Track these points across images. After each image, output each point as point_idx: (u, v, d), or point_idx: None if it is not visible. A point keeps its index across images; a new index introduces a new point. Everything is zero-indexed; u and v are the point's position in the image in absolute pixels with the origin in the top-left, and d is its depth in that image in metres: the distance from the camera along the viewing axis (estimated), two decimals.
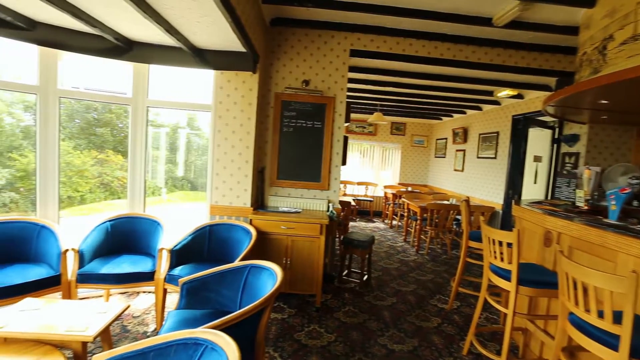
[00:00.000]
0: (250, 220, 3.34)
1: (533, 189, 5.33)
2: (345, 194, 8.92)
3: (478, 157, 6.70)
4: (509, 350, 2.22)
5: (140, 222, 3.20)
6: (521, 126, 5.42)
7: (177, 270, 2.71)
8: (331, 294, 3.69)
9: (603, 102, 2.63)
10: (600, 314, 1.44)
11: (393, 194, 7.78)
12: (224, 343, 1.23)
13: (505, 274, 2.25)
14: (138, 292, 3.40)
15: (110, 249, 3.01)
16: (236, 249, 3.00)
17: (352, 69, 4.44)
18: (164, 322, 1.98)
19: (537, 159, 5.09)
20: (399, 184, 9.23)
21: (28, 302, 2.07)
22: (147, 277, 2.74)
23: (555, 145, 4.73)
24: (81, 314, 1.98)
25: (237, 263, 2.24)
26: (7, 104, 4.13)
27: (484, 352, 2.50)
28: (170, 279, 2.68)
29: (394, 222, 8.05)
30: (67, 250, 2.63)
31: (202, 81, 3.55)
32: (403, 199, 6.67)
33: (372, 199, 8.78)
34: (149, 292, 3.39)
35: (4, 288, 2.29)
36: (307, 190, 3.86)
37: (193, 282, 2.17)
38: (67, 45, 2.95)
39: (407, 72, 4.63)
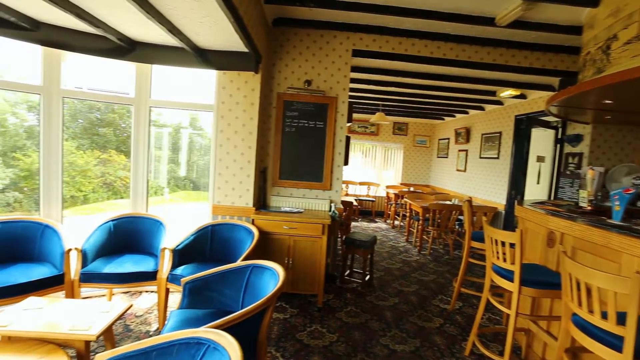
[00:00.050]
0: (253, 220, 3.34)
1: (536, 189, 5.31)
2: (347, 194, 8.91)
3: (480, 157, 6.68)
4: (511, 351, 2.21)
5: (143, 222, 3.21)
6: (524, 126, 5.40)
7: (179, 270, 2.71)
8: (333, 294, 3.68)
9: (607, 102, 2.62)
10: (604, 315, 1.43)
11: (395, 194, 7.77)
12: (227, 343, 1.23)
13: (508, 275, 2.25)
14: (141, 292, 3.41)
15: (113, 249, 3.02)
16: (238, 249, 3.01)
17: (355, 69, 4.44)
18: (166, 322, 1.99)
19: (540, 159, 5.07)
20: (401, 184, 9.22)
21: (32, 301, 2.08)
22: (150, 276, 2.75)
23: (558, 146, 4.70)
24: (84, 313, 1.99)
25: (239, 263, 2.24)
26: (11, 104, 4.16)
27: (486, 352, 2.49)
28: (172, 278, 2.69)
29: (396, 223, 8.04)
30: (70, 249, 2.65)
31: (204, 81, 3.56)
32: (405, 199, 6.66)
33: (374, 199, 8.77)
34: (152, 292, 3.40)
35: (8, 287, 2.31)
36: (309, 190, 3.86)
37: (195, 281, 2.18)
38: (71, 45, 2.96)
39: (410, 72, 4.62)
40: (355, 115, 8.44)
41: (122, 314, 2.09)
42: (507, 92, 4.95)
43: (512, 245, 2.21)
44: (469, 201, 3.66)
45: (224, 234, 3.13)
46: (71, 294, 2.59)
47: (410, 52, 3.81)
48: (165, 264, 2.79)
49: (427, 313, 3.41)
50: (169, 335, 1.36)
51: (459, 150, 7.61)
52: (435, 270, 4.84)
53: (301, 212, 3.55)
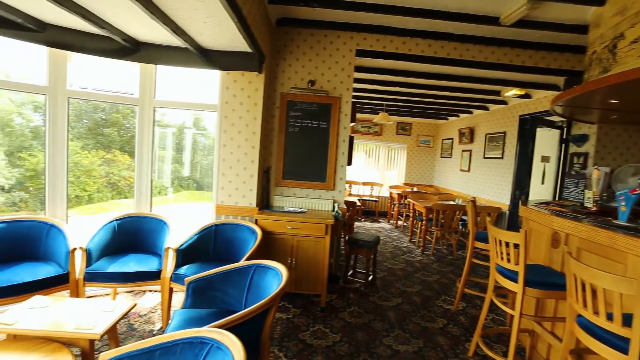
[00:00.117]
0: (256, 220, 3.35)
1: (540, 189, 5.27)
2: (350, 194, 8.90)
3: (484, 158, 6.65)
4: (515, 352, 2.19)
5: (147, 222, 3.23)
6: (528, 126, 5.36)
7: (183, 270, 2.73)
8: (336, 294, 3.68)
9: (613, 101, 2.59)
10: (610, 317, 1.42)
11: (398, 194, 7.75)
12: (230, 342, 1.24)
13: (512, 275, 2.23)
14: (144, 291, 3.43)
15: (117, 248, 3.04)
16: (242, 249, 3.01)
17: (358, 68, 4.43)
18: (170, 321, 2.00)
19: (545, 159, 5.03)
20: (405, 184, 9.20)
21: (37, 300, 2.10)
22: (154, 276, 2.77)
23: (563, 146, 4.67)
24: (89, 312, 2.01)
25: (242, 263, 2.25)
26: (17, 104, 4.20)
27: (490, 353, 2.48)
28: (176, 278, 2.70)
29: (400, 223, 8.02)
30: (75, 249, 2.67)
31: (208, 81, 3.57)
32: (408, 199, 6.64)
33: (377, 199, 8.75)
34: (155, 291, 3.42)
35: (14, 286, 2.33)
36: (312, 190, 3.86)
37: (199, 281, 2.19)
38: (76, 46, 2.99)
39: (413, 71, 4.61)
40: (358, 115, 8.43)
41: (126, 313, 2.10)
42: (511, 92, 4.92)
43: (516, 245, 2.20)
44: (473, 201, 3.64)
45: (227, 234, 3.14)
46: (76, 293, 2.61)
47: (414, 51, 3.80)
48: (169, 264, 2.80)
49: (430, 313, 3.40)
50: (173, 335, 1.36)
51: (463, 150, 7.58)
52: (439, 270, 4.82)
53: (304, 212, 3.56)
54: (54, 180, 3.14)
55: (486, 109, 6.67)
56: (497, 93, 5.37)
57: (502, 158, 6.03)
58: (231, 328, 1.46)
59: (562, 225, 2.34)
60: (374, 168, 9.57)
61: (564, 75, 3.93)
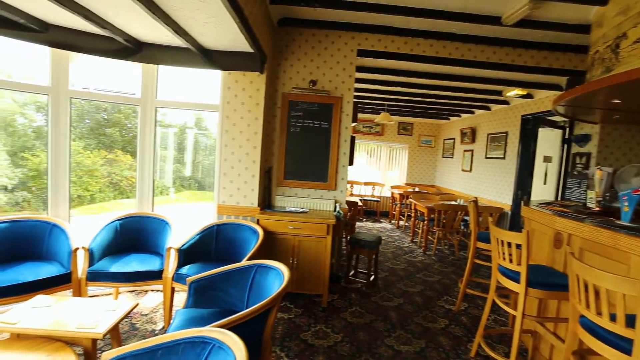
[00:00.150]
0: (258, 220, 3.35)
1: (542, 189, 5.26)
2: (352, 194, 8.90)
3: (486, 158, 6.63)
4: (517, 353, 2.19)
5: (149, 222, 3.24)
6: (530, 126, 5.35)
7: (184, 269, 2.73)
8: (338, 294, 3.68)
9: (616, 101, 2.58)
10: (613, 318, 1.41)
11: (400, 194, 7.74)
12: (232, 342, 1.24)
13: (514, 276, 2.23)
14: (146, 291, 3.44)
15: (119, 248, 3.05)
16: (243, 249, 3.01)
17: (360, 68, 4.43)
18: (171, 321, 2.00)
19: (547, 159, 5.02)
20: (406, 184, 9.19)
21: (40, 299, 2.11)
22: (156, 275, 2.77)
23: (565, 146, 4.65)
24: (91, 312, 2.01)
25: (244, 262, 2.25)
26: (20, 104, 4.21)
27: (492, 354, 2.47)
28: (178, 277, 2.70)
29: (401, 223, 8.01)
30: (77, 248, 2.68)
31: (209, 81, 3.58)
32: (410, 200, 6.64)
33: (379, 199, 8.75)
34: (157, 291, 3.43)
35: (17, 285, 2.34)
36: (314, 190, 3.86)
37: (201, 281, 2.19)
38: (78, 46, 2.99)
39: (415, 71, 4.60)
40: (360, 115, 8.42)
41: (128, 313, 2.10)
42: (513, 92, 4.91)
43: (518, 246, 2.19)
44: (475, 201, 3.63)
45: (229, 234, 3.15)
46: (78, 293, 2.62)
47: (415, 51, 3.80)
48: (171, 264, 2.80)
49: (432, 314, 3.39)
50: (175, 334, 1.37)
51: (465, 151, 7.57)
52: (441, 271, 4.81)
53: (306, 212, 3.56)
54: (56, 180, 3.15)
55: (488, 109, 6.66)
56: (499, 93, 5.35)
57: (504, 158, 6.02)
58: (233, 328, 1.46)
59: (565, 226, 2.33)
60: (376, 168, 9.56)
61: (566, 75, 3.92)
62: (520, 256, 2.14)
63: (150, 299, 3.27)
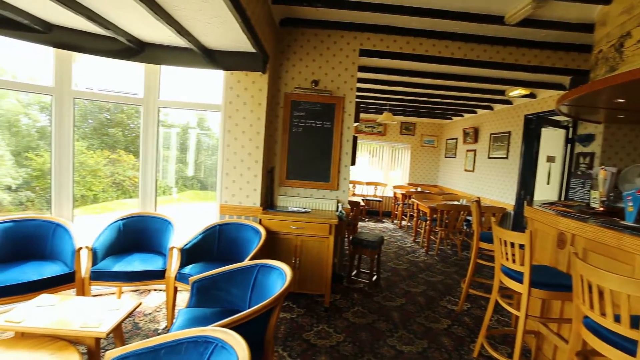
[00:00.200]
0: (260, 219, 3.35)
1: (546, 189, 5.24)
2: (354, 194, 8.90)
3: (489, 158, 6.61)
4: (521, 353, 2.18)
5: (152, 221, 3.25)
6: (534, 126, 5.32)
7: (187, 269, 2.74)
8: (340, 294, 3.68)
9: (619, 100, 2.57)
10: (617, 318, 1.40)
11: (402, 194, 7.73)
12: (234, 342, 1.24)
13: (517, 276, 2.22)
14: (149, 290, 3.45)
15: (122, 247, 3.06)
16: (246, 249, 3.02)
17: (362, 68, 4.43)
18: (174, 320, 2.01)
19: (550, 159, 4.99)
20: (409, 184, 9.17)
21: (44, 298, 2.12)
22: (158, 275, 2.78)
23: (569, 145, 4.63)
24: (94, 311, 2.02)
25: (246, 262, 2.25)
26: (24, 105, 4.24)
27: (495, 355, 2.46)
28: (180, 277, 2.71)
29: (403, 223, 8.00)
30: (80, 248, 2.69)
31: (212, 82, 3.58)
32: (412, 199, 6.62)
33: (381, 199, 8.74)
34: (160, 290, 3.44)
35: (22, 284, 2.35)
36: (316, 190, 3.86)
37: (203, 280, 2.19)
38: (81, 47, 3.01)
39: (417, 71, 4.60)
40: (362, 115, 8.42)
41: (131, 312, 2.11)
42: (516, 92, 4.89)
43: (521, 246, 2.18)
44: (478, 201, 3.62)
45: (231, 234, 3.15)
46: (82, 292, 2.64)
47: (418, 51, 3.79)
48: (174, 263, 2.81)
49: (434, 314, 3.38)
50: (178, 334, 1.37)
51: (467, 150, 7.54)
52: (443, 271, 4.80)
53: (308, 212, 3.56)
54: (59, 180, 3.16)
55: (491, 108, 6.64)
56: (502, 93, 5.34)
57: (506, 158, 6.00)
58: (235, 327, 1.46)
59: (568, 226, 2.32)
60: (378, 168, 9.55)
61: (569, 74, 3.90)
62: (523, 256, 2.13)
63: (153, 299, 3.28)
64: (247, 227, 3.15)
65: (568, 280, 2.10)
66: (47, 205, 3.25)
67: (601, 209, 2.60)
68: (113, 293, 3.25)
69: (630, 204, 2.10)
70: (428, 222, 5.66)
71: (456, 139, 8.21)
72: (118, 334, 2.17)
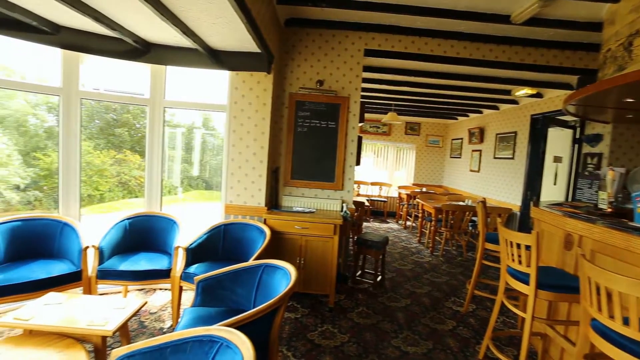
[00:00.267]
0: (265, 219, 3.36)
1: (552, 190, 5.18)
2: (359, 195, 8.88)
3: (495, 158, 6.56)
4: (527, 356, 2.16)
5: (157, 221, 3.27)
6: (540, 126, 5.28)
7: (192, 268, 2.75)
8: (344, 295, 3.68)
9: (628, 100, 2.53)
10: (626, 321, 1.38)
11: (407, 195, 7.70)
12: (239, 341, 1.25)
13: (523, 277, 2.20)
14: (155, 289, 3.47)
15: (128, 247, 3.09)
16: (250, 248, 3.03)
17: (367, 68, 4.42)
18: (179, 319, 2.02)
19: (557, 159, 4.94)
20: (414, 184, 9.13)
21: (52, 297, 2.14)
22: (164, 274, 2.80)
23: (576, 146, 4.58)
24: (101, 309, 2.04)
25: (251, 262, 2.26)
26: (32, 105, 4.29)
27: (501, 357, 2.44)
28: (186, 276, 2.72)
29: (408, 223, 7.97)
30: (87, 247, 2.72)
31: (217, 82, 3.60)
32: (417, 200, 6.60)
33: (386, 200, 8.71)
34: (165, 289, 3.46)
35: (30, 282, 2.38)
36: (321, 190, 3.86)
37: (208, 280, 2.20)
38: (89, 48, 3.04)
39: (422, 71, 4.57)
40: (367, 115, 8.40)
41: (137, 311, 2.13)
42: (522, 91, 4.84)
43: (527, 247, 2.16)
44: (483, 202, 3.59)
45: (236, 233, 3.16)
46: (89, 290, 2.66)
47: (423, 51, 3.77)
48: (179, 262, 2.83)
49: (439, 315, 3.37)
50: (183, 333, 1.38)
51: (473, 151, 7.49)
52: (448, 272, 4.77)
53: (313, 212, 3.56)
54: (67, 180, 3.20)
55: (496, 108, 6.59)
56: (508, 92, 5.29)
57: (513, 158, 5.95)
58: (240, 327, 1.47)
59: (575, 227, 2.29)
60: (383, 168, 9.53)
61: (576, 74, 3.86)
62: (529, 258, 2.11)
63: (159, 298, 3.30)
64: (252, 227, 3.16)
65: (575, 282, 2.08)
66: (55, 204, 3.29)
67: (609, 210, 2.56)
68: (119, 292, 3.28)
69: (639, 205, 2.07)
70: (433, 223, 5.63)
71: (461, 139, 8.16)
72: (124, 333, 2.19)
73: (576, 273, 2.32)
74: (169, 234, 3.17)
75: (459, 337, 2.96)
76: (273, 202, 3.80)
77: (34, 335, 1.82)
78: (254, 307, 1.83)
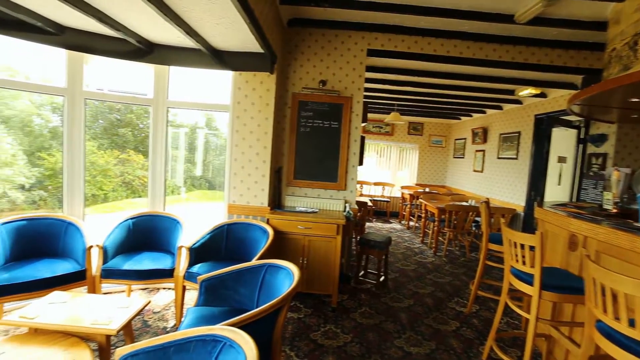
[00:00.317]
0: (268, 219, 3.37)
1: (556, 190, 5.15)
2: (361, 195, 8.87)
3: (498, 158, 6.53)
4: (531, 357, 2.15)
5: (161, 220, 3.28)
6: (544, 126, 5.24)
7: (195, 268, 2.76)
8: (347, 295, 3.67)
9: (634, 100, 2.51)
10: (632, 323, 1.37)
11: (410, 195, 7.68)
12: (242, 341, 1.25)
13: (527, 278, 2.19)
14: (158, 289, 3.49)
15: (132, 246, 3.10)
16: (253, 248, 3.03)
17: (370, 68, 4.41)
18: (183, 319, 2.03)
19: (562, 159, 4.91)
20: (417, 184, 9.11)
21: (56, 295, 2.16)
22: (167, 274, 2.81)
23: (580, 146, 4.55)
24: (105, 308, 2.05)
25: (254, 262, 2.26)
26: (37, 105, 4.32)
27: (504, 358, 2.43)
28: (189, 276, 2.73)
29: (411, 223, 7.95)
30: (91, 246, 2.73)
31: (220, 82, 3.61)
32: (420, 200, 6.58)
33: (389, 200, 8.70)
34: (169, 289, 3.47)
35: (35, 281, 2.40)
36: (323, 190, 3.86)
37: (211, 279, 2.21)
38: (93, 48, 3.05)
39: (425, 71, 4.56)
40: (370, 115, 8.39)
41: (141, 310, 2.14)
42: (526, 91, 4.82)
43: (531, 248, 2.15)
44: (487, 202, 3.58)
45: (239, 233, 3.17)
46: (93, 289, 2.68)
47: (426, 51, 3.76)
48: (182, 262, 2.84)
49: (442, 316, 3.36)
50: (186, 332, 1.38)
51: (476, 151, 7.46)
52: (451, 272, 4.76)
53: (316, 212, 3.56)
54: (71, 180, 3.22)
55: (500, 108, 6.56)
56: (512, 92, 5.27)
57: (516, 158, 5.92)
58: (243, 327, 1.47)
59: (580, 228, 2.28)
60: (386, 168, 9.51)
61: (581, 73, 3.84)
62: (533, 258, 2.10)
63: (162, 297, 3.32)
64: (255, 226, 3.17)
65: (580, 283, 2.07)
66: (59, 204, 3.31)
67: (614, 210, 2.55)
68: (123, 291, 3.30)
69: None
70: (436, 223, 5.62)
71: (465, 139, 8.13)
72: (128, 332, 2.20)
73: (580, 274, 2.30)
74: (173, 233, 3.18)
75: (462, 337, 2.95)
76: (276, 202, 3.81)
77: (39, 334, 1.83)
78: (257, 307, 1.84)
